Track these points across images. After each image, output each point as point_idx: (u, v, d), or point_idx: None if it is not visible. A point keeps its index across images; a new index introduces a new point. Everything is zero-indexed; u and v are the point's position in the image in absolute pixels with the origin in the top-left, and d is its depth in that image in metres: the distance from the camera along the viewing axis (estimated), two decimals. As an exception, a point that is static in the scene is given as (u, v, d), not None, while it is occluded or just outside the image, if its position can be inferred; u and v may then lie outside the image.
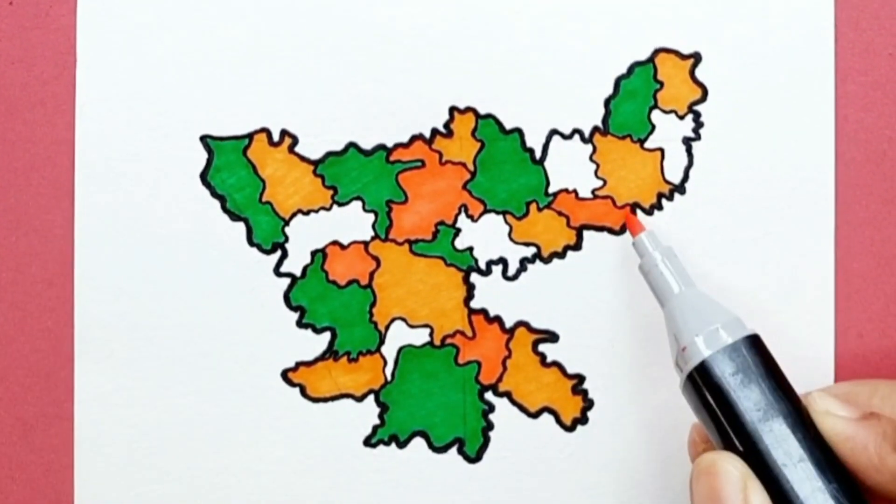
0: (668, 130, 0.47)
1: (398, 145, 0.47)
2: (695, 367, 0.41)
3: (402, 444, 0.47)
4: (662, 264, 0.44)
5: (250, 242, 0.47)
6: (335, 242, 0.47)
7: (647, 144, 0.47)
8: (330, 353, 0.47)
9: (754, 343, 0.41)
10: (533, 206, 0.47)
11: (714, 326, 0.42)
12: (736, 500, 0.39)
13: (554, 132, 0.47)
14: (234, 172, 0.47)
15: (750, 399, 0.40)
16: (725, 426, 0.41)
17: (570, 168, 0.47)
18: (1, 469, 0.48)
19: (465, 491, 0.47)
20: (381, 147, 0.47)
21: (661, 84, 0.47)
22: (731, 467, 0.40)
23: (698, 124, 0.47)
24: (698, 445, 0.43)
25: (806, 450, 0.40)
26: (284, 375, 0.47)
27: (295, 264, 0.47)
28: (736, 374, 0.41)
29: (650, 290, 0.44)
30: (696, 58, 0.47)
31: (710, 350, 0.41)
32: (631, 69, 0.47)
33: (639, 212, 0.47)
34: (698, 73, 0.47)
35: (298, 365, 0.47)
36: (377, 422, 0.47)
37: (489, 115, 0.47)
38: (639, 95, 0.47)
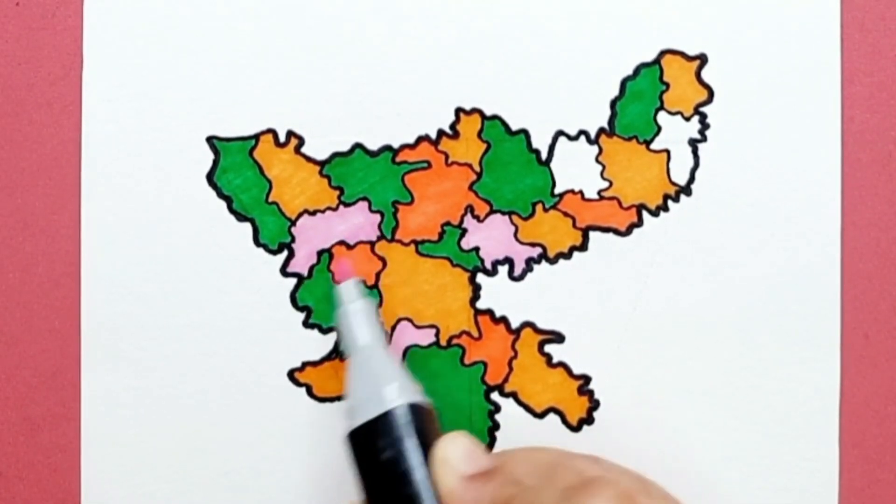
0: (675, 132, 0.47)
1: (404, 146, 0.47)
2: (351, 430, 0.42)
3: (408, 444, 0.48)
4: (355, 315, 0.44)
5: (257, 243, 0.47)
6: (341, 243, 0.47)
7: (654, 146, 0.47)
8: (336, 353, 0.47)
9: (414, 411, 0.42)
10: (539, 207, 0.47)
11: (378, 390, 0.42)
12: None
13: (560, 133, 0.47)
14: (241, 173, 0.47)
15: (392, 466, 0.41)
16: (364, 486, 0.42)
17: (576, 169, 0.47)
18: (8, 468, 0.48)
19: (470, 491, 0.47)
20: (388, 148, 0.47)
21: (668, 85, 0.47)
22: None
23: (704, 126, 0.47)
24: None
25: None
26: (291, 375, 0.47)
27: (301, 264, 0.47)
28: (385, 442, 0.41)
29: (339, 338, 0.45)
30: (702, 59, 0.47)
31: (366, 416, 0.42)
32: (637, 70, 0.47)
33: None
34: (704, 74, 0.47)
35: (305, 365, 0.47)
36: (383, 421, 0.48)
37: (495, 116, 0.47)
38: (645, 97, 0.47)
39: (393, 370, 0.43)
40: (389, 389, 0.42)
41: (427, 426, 0.42)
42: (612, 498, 0.39)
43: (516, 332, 0.47)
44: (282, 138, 0.47)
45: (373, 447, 0.42)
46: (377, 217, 0.47)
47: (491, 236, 0.47)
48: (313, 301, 0.47)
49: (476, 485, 0.41)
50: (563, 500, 0.39)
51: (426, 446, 0.42)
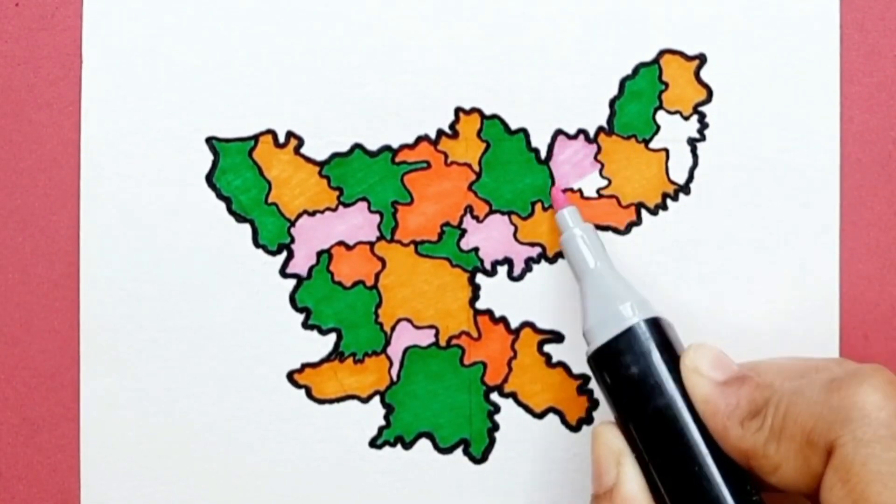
0: (673, 131, 0.47)
1: (404, 146, 0.47)
2: (593, 350, 0.42)
3: (407, 446, 0.47)
4: (581, 240, 0.44)
5: (256, 244, 0.47)
6: (341, 243, 0.47)
7: (652, 145, 0.47)
8: (336, 354, 0.47)
9: (653, 325, 0.42)
10: (538, 206, 0.47)
11: (615, 309, 0.42)
12: (611, 470, 0.41)
13: (559, 132, 0.47)
14: (240, 174, 0.47)
15: (641, 381, 0.41)
16: (613, 404, 0.42)
17: (574, 168, 0.47)
18: (8, 469, 0.48)
19: (470, 492, 0.47)
20: (387, 148, 0.47)
21: (666, 85, 0.47)
22: (609, 440, 0.42)
23: (703, 125, 0.47)
24: None
25: (688, 428, 0.41)
26: (290, 377, 0.47)
27: (301, 265, 0.47)
28: (630, 358, 0.41)
29: (568, 264, 0.45)
30: (702, 59, 0.47)
31: (607, 335, 0.42)
32: (636, 70, 0.47)
33: (643, 212, 0.47)
34: (703, 74, 0.47)
35: (304, 366, 0.47)
36: (383, 423, 0.47)
37: (494, 116, 0.47)
38: (644, 96, 0.47)
39: (626, 288, 0.43)
40: (626, 307, 0.42)
41: (667, 339, 0.42)
42: (883, 383, 0.38)
43: (516, 332, 0.47)
44: (281, 139, 0.47)
45: (618, 364, 0.41)
46: (376, 217, 0.47)
47: (490, 236, 0.47)
48: (313, 302, 0.47)
49: (731, 390, 0.40)
50: (830, 391, 0.38)
51: (671, 358, 0.41)
